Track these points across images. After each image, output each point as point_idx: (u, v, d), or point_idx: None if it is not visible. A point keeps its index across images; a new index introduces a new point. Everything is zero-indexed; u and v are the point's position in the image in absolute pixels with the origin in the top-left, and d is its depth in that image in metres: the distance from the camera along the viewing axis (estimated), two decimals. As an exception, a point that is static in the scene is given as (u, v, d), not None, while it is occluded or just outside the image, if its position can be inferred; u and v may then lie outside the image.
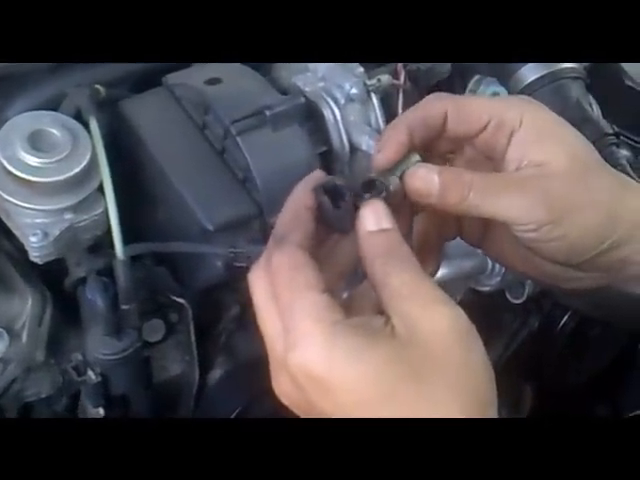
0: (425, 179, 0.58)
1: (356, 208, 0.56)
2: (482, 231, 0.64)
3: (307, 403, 0.51)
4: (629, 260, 0.61)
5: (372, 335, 0.50)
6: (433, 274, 0.63)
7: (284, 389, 0.53)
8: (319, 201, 0.56)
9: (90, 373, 0.78)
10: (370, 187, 0.56)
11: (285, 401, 0.54)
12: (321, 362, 0.49)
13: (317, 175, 0.58)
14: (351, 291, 0.58)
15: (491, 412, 0.51)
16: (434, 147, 0.62)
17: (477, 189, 0.58)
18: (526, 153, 0.59)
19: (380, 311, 0.53)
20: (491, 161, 0.62)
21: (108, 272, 0.77)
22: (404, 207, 0.59)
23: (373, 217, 0.55)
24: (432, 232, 0.63)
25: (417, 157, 0.59)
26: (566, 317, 1.09)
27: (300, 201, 0.56)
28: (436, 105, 0.61)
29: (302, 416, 0.53)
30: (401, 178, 0.58)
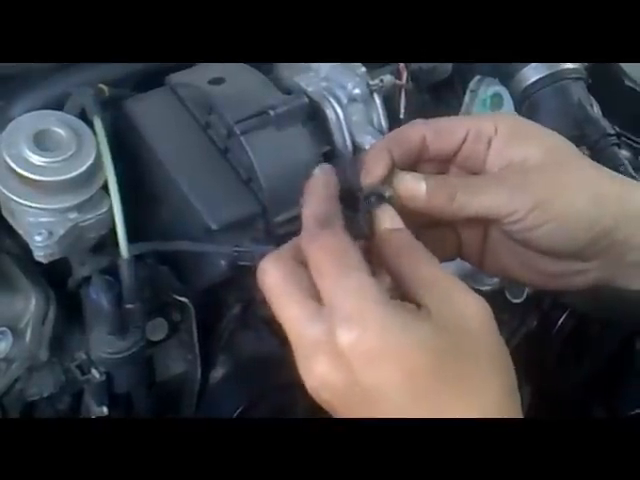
0: (412, 183, 0.61)
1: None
2: (480, 247, 0.66)
3: (347, 382, 0.52)
4: (628, 244, 0.62)
5: (417, 313, 0.53)
6: None
7: (320, 373, 0.52)
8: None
9: (94, 372, 0.78)
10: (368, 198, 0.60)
11: (316, 388, 0.53)
12: (377, 335, 0.51)
13: (328, 168, 0.61)
14: None
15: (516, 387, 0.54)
16: (420, 170, 0.64)
17: (463, 189, 0.61)
18: (505, 156, 0.62)
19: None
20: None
21: (112, 271, 0.77)
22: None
23: (388, 217, 0.59)
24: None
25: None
26: (564, 316, 1.09)
27: (330, 190, 0.59)
28: (413, 130, 0.64)
29: (333, 405, 0.53)
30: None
